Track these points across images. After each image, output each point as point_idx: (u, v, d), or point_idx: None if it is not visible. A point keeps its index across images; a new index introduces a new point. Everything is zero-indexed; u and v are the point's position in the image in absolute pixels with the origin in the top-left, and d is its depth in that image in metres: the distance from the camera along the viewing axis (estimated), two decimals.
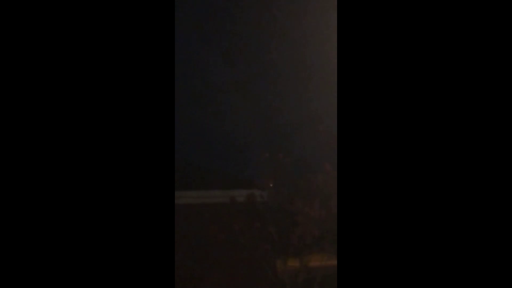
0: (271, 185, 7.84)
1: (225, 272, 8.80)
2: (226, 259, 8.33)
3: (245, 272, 8.47)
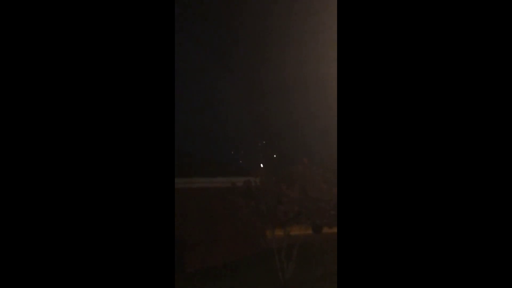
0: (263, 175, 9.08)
1: (227, 239, 10.95)
2: (229, 229, 10.36)
3: (243, 239, 10.45)
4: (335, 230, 17.23)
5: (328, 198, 8.34)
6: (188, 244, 10.50)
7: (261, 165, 9.13)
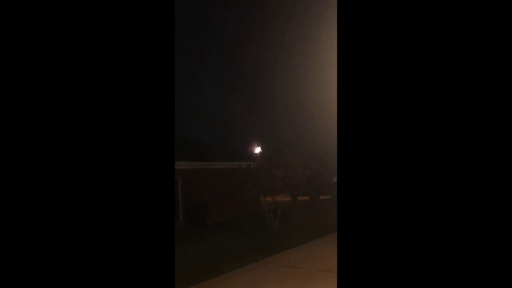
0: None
1: (234, 203, 14.50)
2: (235, 196, 13.44)
3: (244, 203, 13.53)
4: (305, 198, 20.99)
5: (302, 177, 10.99)
6: (209, 206, 13.97)
7: (258, 154, 11.67)
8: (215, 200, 14.40)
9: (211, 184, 14.47)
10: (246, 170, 11.16)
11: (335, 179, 23.63)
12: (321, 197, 21.57)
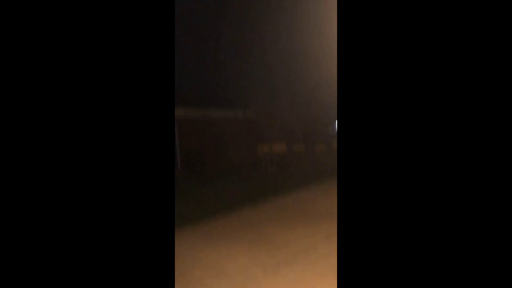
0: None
1: (231, 152, 14.35)
2: (232, 145, 13.66)
3: (242, 152, 13.71)
4: (301, 148, 21.24)
5: (298, 126, 11.73)
6: (206, 154, 14.16)
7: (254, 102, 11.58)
8: (212, 148, 14.51)
9: (208, 133, 14.54)
10: (242, 118, 11.86)
11: (330, 128, 23.85)
12: (316, 144, 21.83)
